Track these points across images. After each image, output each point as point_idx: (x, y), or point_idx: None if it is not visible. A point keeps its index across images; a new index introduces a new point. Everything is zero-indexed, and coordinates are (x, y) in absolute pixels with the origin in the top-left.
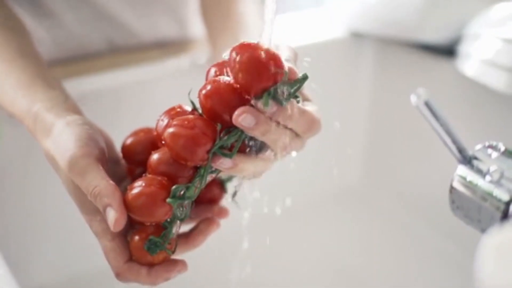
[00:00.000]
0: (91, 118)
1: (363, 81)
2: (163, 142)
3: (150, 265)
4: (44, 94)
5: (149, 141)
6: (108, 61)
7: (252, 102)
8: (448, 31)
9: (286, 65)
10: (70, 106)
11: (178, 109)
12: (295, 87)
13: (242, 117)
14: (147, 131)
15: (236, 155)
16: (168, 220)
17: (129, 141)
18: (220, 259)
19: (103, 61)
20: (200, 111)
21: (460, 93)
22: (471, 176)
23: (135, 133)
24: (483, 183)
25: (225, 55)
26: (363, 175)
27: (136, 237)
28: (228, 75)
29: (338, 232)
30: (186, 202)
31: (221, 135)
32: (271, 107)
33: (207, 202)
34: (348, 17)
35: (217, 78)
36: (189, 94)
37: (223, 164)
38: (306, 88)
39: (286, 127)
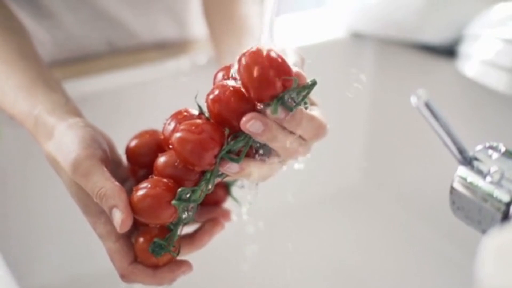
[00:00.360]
0: (90, 120)
1: (363, 82)
2: (170, 146)
3: (155, 267)
4: (45, 97)
5: (154, 143)
6: (108, 62)
7: (260, 107)
8: (448, 32)
9: (295, 70)
10: (71, 109)
11: (185, 113)
12: (303, 94)
13: (250, 123)
14: (152, 133)
15: (243, 159)
16: (173, 222)
17: (133, 143)
18: (219, 259)
19: (102, 62)
20: (206, 114)
21: (461, 93)
22: (472, 177)
23: (140, 135)
24: (484, 184)
25: (234, 60)
26: (363, 175)
27: (141, 239)
28: (235, 80)
29: (338, 232)
30: (191, 205)
31: (229, 139)
32: (280, 114)
33: (211, 204)
34: (348, 17)
35: (225, 83)
36: (195, 97)
37: (231, 168)
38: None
39: (293, 133)
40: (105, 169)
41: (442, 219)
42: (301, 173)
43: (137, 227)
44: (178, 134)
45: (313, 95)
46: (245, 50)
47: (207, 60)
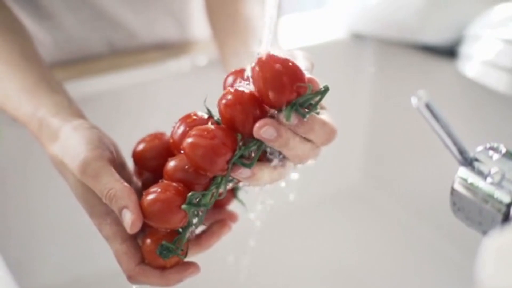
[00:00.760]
0: (91, 121)
1: (364, 82)
2: (182, 151)
3: (162, 268)
4: (49, 99)
5: (161, 147)
6: (108, 63)
7: (272, 113)
8: (449, 32)
9: (307, 76)
10: (75, 111)
11: (194, 117)
12: (316, 100)
13: (263, 130)
14: (160, 136)
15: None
16: (182, 226)
17: (141, 147)
18: (219, 259)
19: (103, 63)
20: (216, 118)
21: (461, 94)
22: (472, 178)
23: (147, 139)
24: (484, 185)
25: (240, 61)
26: (363, 175)
27: (148, 240)
28: (246, 84)
29: (337, 232)
30: (201, 209)
31: (240, 144)
32: (293, 120)
33: (216, 207)
34: (349, 18)
35: (237, 88)
36: (204, 101)
37: (242, 174)
38: None
39: (305, 138)
40: (113, 170)
41: (442, 220)
42: (301, 173)
43: (143, 228)
44: (190, 140)
45: None
46: (257, 54)
47: (208, 61)
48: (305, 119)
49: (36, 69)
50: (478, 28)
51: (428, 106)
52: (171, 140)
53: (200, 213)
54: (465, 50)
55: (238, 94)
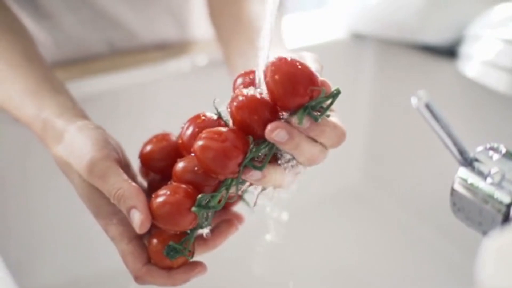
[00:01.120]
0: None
1: (364, 82)
2: (192, 153)
3: (169, 268)
4: (52, 100)
5: (169, 148)
6: (108, 63)
7: (283, 115)
8: (449, 32)
9: (320, 79)
10: (79, 111)
11: (203, 117)
12: (328, 103)
13: (275, 133)
14: (167, 138)
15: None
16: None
17: (148, 148)
18: (219, 259)
19: (103, 63)
20: (225, 119)
21: (461, 94)
22: (472, 178)
23: (155, 140)
24: (484, 185)
25: (246, 60)
26: (363, 175)
27: (155, 241)
28: (256, 86)
29: (337, 232)
30: (211, 211)
31: (251, 147)
32: (305, 123)
33: (223, 207)
34: (349, 18)
35: (248, 90)
36: (214, 102)
37: (253, 176)
38: None
39: (316, 141)
40: (121, 170)
41: (442, 220)
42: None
43: (149, 228)
44: (201, 142)
45: None
46: (265, 57)
47: (208, 61)
48: (317, 122)
49: (39, 70)
50: (478, 28)
51: (428, 106)
52: (180, 141)
53: (209, 215)
54: (465, 50)
55: (250, 96)
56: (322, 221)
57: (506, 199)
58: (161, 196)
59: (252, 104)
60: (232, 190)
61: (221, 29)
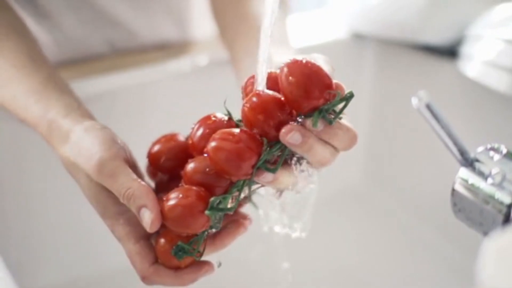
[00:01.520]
0: None
1: (364, 82)
2: (204, 154)
3: (177, 268)
4: (58, 101)
5: (178, 148)
6: (108, 63)
7: (298, 118)
8: (450, 32)
9: (334, 82)
10: (85, 112)
11: (214, 118)
12: (342, 106)
13: (290, 135)
14: (175, 138)
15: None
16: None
17: (156, 148)
18: (218, 259)
19: (103, 63)
20: (235, 119)
21: (462, 94)
22: (473, 179)
23: (163, 140)
24: (485, 186)
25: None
26: (363, 175)
27: (162, 240)
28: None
29: (337, 232)
30: (224, 213)
31: (264, 148)
32: (319, 126)
33: None
34: (350, 18)
35: (261, 91)
36: (224, 103)
37: (266, 178)
38: None
39: (328, 143)
40: (130, 169)
41: (443, 220)
42: None
43: None
44: (214, 143)
45: None
46: (287, 60)
47: (208, 61)
48: (331, 125)
49: (44, 70)
50: (479, 28)
51: (428, 107)
52: (190, 142)
53: (221, 217)
54: (466, 50)
55: (264, 98)
56: (322, 221)
57: (507, 200)
58: (173, 199)
59: (266, 105)
60: (246, 192)
61: (226, 29)
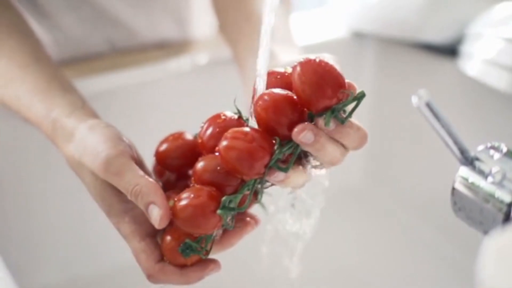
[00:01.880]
0: None
1: (364, 81)
2: (216, 153)
3: (182, 266)
4: (62, 99)
5: (186, 147)
6: (109, 62)
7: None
8: (450, 31)
9: (347, 82)
10: (89, 111)
11: (223, 117)
12: (354, 105)
13: (303, 134)
14: (183, 136)
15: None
16: None
17: (164, 146)
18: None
19: (103, 62)
20: (245, 118)
21: (462, 93)
22: (473, 177)
23: (171, 139)
24: (485, 185)
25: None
26: (363, 175)
27: (168, 238)
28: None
29: (337, 232)
30: (235, 212)
31: (275, 147)
32: (331, 126)
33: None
34: (350, 17)
35: (273, 90)
36: (234, 101)
37: (278, 177)
38: None
39: (339, 143)
40: (136, 166)
41: (443, 220)
42: None
43: None
44: (226, 142)
45: None
46: (300, 59)
47: (208, 60)
48: (343, 125)
49: (47, 69)
50: (479, 26)
51: (428, 105)
52: (199, 141)
53: (233, 217)
54: (466, 48)
55: (276, 97)
56: (322, 221)
57: (507, 198)
58: (185, 199)
59: (278, 104)
60: (258, 192)
61: (229, 27)
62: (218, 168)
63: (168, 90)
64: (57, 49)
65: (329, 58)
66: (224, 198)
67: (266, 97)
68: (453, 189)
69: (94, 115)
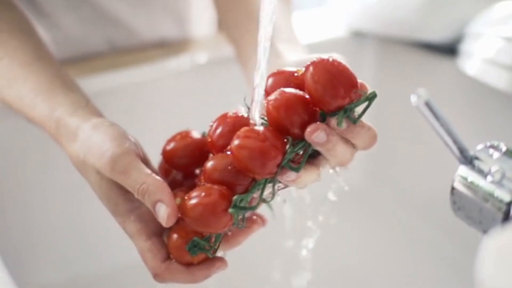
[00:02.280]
0: None
1: (364, 80)
2: (228, 152)
3: (189, 264)
4: (65, 98)
5: (194, 146)
6: (108, 61)
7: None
8: (450, 30)
9: (359, 82)
10: (93, 109)
11: (233, 116)
12: (366, 105)
13: (315, 134)
14: (191, 135)
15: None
16: None
17: (171, 145)
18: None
19: (103, 61)
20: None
21: (462, 92)
22: (472, 177)
23: (178, 138)
24: (485, 184)
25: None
26: (363, 175)
27: (175, 235)
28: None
29: (338, 232)
30: (246, 211)
31: (287, 147)
32: (344, 125)
33: None
34: (349, 16)
35: (285, 89)
36: (244, 99)
37: (289, 177)
38: None
39: (350, 142)
40: (143, 164)
41: (442, 219)
42: None
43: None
44: (238, 141)
45: None
46: (314, 59)
47: (208, 59)
48: (355, 124)
49: (51, 69)
50: (479, 26)
51: (427, 104)
52: (209, 140)
53: (245, 216)
54: (465, 48)
55: (288, 96)
56: (322, 221)
57: (506, 198)
58: (195, 198)
59: (290, 103)
60: (270, 191)
61: (231, 26)
62: (229, 167)
63: (168, 89)
64: (56, 49)
65: (340, 58)
66: (235, 197)
67: (278, 96)
68: (453, 188)
69: (98, 113)
